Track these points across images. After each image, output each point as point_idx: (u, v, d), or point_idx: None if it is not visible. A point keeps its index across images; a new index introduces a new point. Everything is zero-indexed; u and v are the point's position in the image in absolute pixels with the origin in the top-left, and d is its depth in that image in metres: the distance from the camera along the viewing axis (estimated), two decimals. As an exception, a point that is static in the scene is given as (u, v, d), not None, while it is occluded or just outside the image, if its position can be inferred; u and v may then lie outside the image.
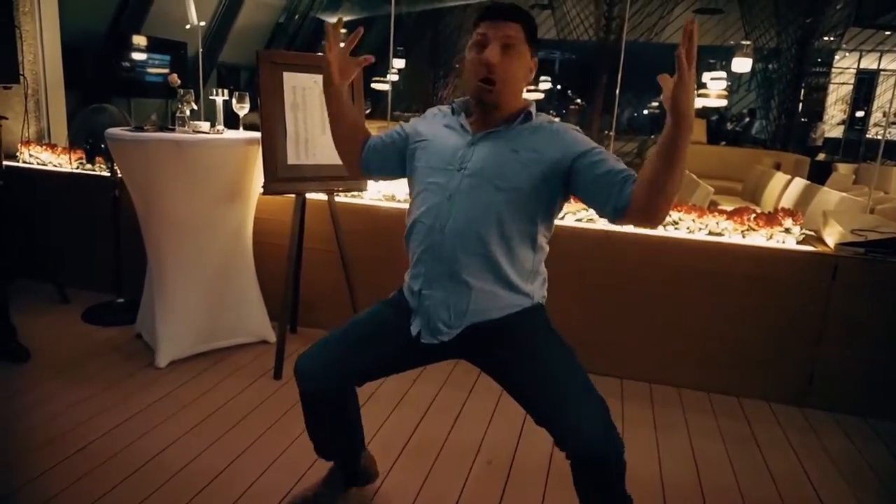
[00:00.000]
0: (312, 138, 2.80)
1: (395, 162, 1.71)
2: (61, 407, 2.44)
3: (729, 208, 2.91)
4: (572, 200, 2.67)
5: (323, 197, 2.97)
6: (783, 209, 2.84)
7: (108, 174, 3.37)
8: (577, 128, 1.56)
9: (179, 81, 2.89)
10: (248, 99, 2.89)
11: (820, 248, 2.75)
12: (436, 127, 1.64)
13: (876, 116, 12.63)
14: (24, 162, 3.83)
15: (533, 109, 1.57)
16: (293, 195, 2.84)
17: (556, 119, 1.60)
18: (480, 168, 1.50)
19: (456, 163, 1.53)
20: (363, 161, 1.76)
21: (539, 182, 1.48)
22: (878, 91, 12.50)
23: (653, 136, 11.32)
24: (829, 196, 4.37)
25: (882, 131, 11.90)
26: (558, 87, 15.37)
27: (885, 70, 12.25)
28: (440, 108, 1.71)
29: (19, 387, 2.60)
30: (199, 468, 2.11)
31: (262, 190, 2.77)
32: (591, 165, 1.44)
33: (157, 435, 2.30)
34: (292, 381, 2.79)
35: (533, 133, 1.53)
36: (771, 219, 2.78)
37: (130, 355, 2.93)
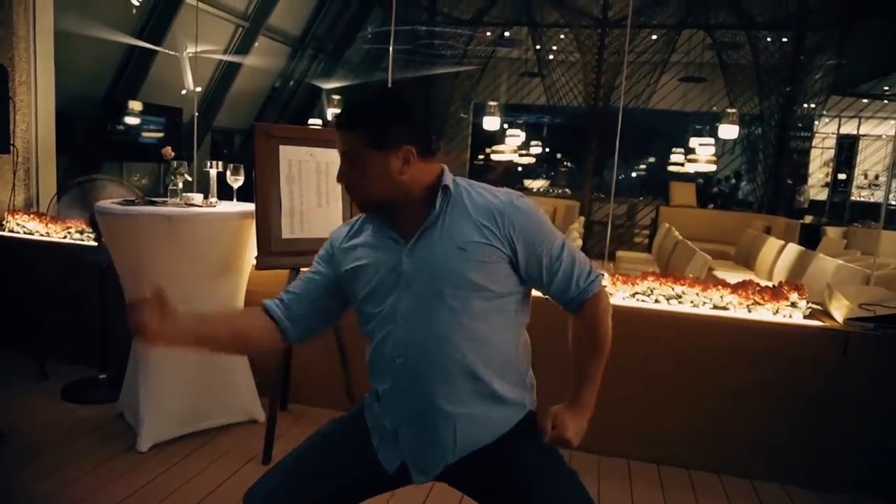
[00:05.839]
0: (308, 211, 2.75)
1: (336, 306, 1.45)
2: (34, 497, 2.28)
3: (729, 278, 2.86)
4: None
5: (317, 269, 2.88)
6: (788, 283, 2.79)
7: (95, 244, 3.28)
8: (502, 192, 1.34)
9: (173, 154, 2.85)
10: (242, 171, 2.85)
11: (829, 323, 2.68)
12: (361, 246, 1.39)
13: (859, 179, 12.95)
14: (11, 231, 3.74)
15: (448, 181, 1.32)
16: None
17: (466, 181, 1.37)
18: (429, 277, 1.29)
19: (394, 279, 1.32)
20: (297, 336, 1.42)
21: (508, 273, 1.32)
22: (860, 157, 12.88)
23: (641, 198, 11.49)
24: (825, 264, 4.34)
25: (867, 193, 12.20)
26: (547, 150, 15.67)
27: (865, 135, 12.63)
28: (350, 222, 1.47)
29: (-11, 475, 2.43)
30: (179, 570, 1.95)
31: (255, 263, 2.69)
32: (545, 269, 1.35)
33: (136, 531, 2.14)
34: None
35: (463, 215, 1.31)
36: (776, 293, 2.72)
37: (110, 437, 2.77)
